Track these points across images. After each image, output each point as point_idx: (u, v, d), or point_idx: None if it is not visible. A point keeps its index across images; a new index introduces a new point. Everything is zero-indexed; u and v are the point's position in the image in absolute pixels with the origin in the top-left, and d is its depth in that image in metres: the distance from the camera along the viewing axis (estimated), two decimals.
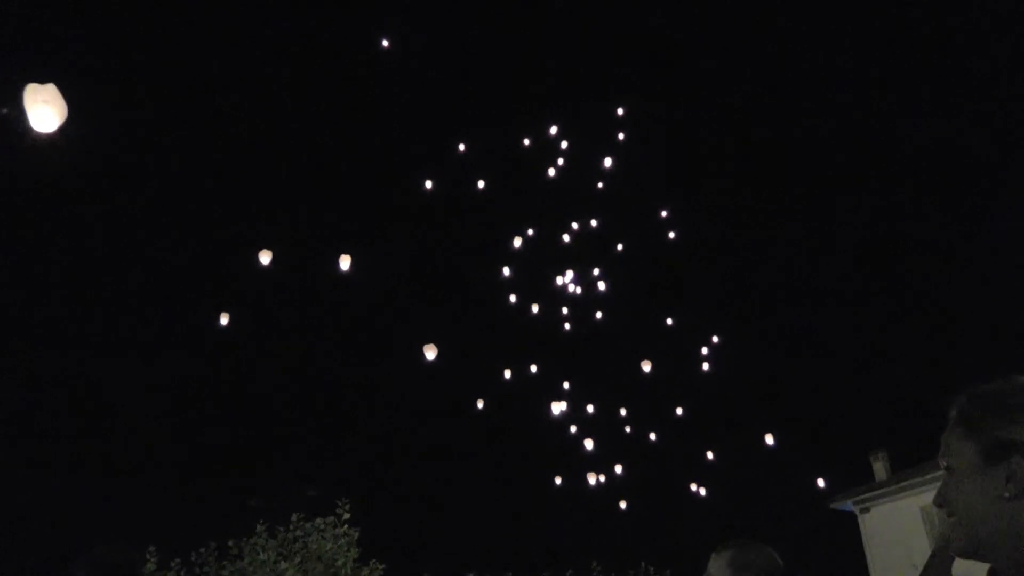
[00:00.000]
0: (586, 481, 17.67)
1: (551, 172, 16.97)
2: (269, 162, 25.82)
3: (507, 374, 17.45)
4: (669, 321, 18.96)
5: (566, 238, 17.44)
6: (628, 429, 18.53)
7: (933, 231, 38.24)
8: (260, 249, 13.37)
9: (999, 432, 1.33)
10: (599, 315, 18.23)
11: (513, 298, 17.29)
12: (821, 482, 20.47)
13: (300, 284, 21.30)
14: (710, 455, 18.58)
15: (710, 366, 18.63)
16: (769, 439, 18.54)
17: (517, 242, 16.95)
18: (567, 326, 17.96)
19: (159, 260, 28.91)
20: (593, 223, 17.76)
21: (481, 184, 16.42)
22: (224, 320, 13.56)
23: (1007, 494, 1.31)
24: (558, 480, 19.04)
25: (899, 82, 35.15)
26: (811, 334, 38.00)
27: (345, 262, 13.47)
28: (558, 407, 17.29)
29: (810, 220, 38.18)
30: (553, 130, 17.02)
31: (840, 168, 37.73)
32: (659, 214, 18.63)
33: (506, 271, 17.15)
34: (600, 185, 17.85)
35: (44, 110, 6.15)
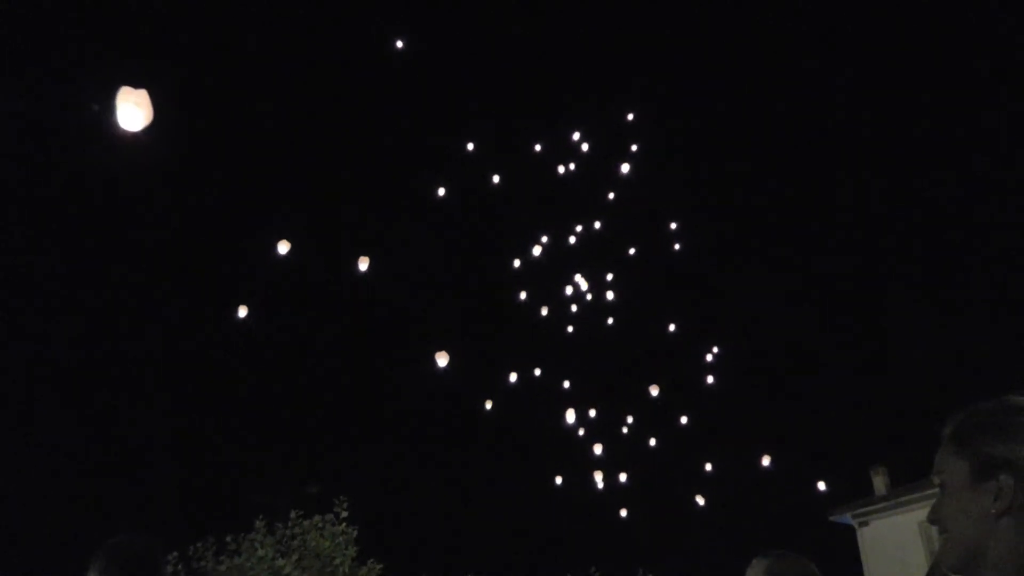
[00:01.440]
0: (587, 485, 17.66)
1: (560, 171, 16.95)
2: (281, 160, 25.84)
3: (512, 377, 17.41)
4: (672, 327, 18.94)
5: (572, 240, 17.43)
6: (627, 432, 18.52)
7: (937, 246, 38.20)
8: (275, 243, 13.13)
9: (989, 450, 1.36)
10: (608, 321, 18.23)
11: (523, 295, 17.27)
12: (822, 485, 20.40)
13: (307, 281, 21.34)
14: (708, 467, 18.57)
15: (712, 378, 18.60)
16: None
17: (521, 245, 16.97)
18: (570, 329, 17.95)
19: (161, 257, 28.93)
20: (596, 225, 17.74)
21: (495, 178, 16.39)
22: (243, 313, 13.49)
23: (994, 511, 1.34)
24: (558, 480, 19.02)
25: (906, 87, 35.13)
26: (813, 346, 37.89)
27: (364, 263, 13.35)
28: (571, 414, 17.24)
29: (815, 230, 38.14)
30: (558, 135, 17.05)
31: (845, 179, 37.72)
32: (666, 223, 18.60)
33: (515, 270, 17.14)
34: (612, 196, 17.85)
35: (133, 111, 6.36)
